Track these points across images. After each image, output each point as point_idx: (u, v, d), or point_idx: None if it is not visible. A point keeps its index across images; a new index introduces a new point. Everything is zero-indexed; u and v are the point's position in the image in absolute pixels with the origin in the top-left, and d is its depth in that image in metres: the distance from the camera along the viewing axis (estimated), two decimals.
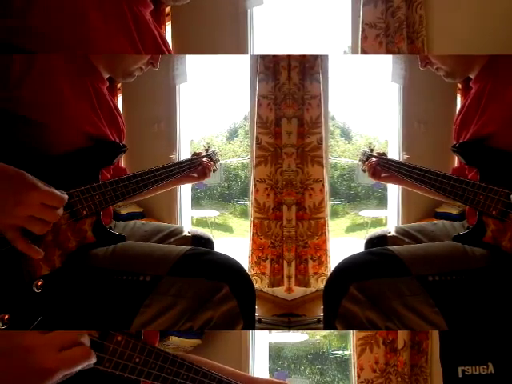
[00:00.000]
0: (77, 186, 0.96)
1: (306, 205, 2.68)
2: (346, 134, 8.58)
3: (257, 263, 2.72)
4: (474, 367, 1.01)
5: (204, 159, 1.69)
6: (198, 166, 1.65)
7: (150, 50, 1.11)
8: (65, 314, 0.95)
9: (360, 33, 2.43)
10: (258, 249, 2.73)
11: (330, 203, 2.92)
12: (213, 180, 6.86)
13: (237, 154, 8.11)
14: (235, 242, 5.78)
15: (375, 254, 1.12)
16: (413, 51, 2.41)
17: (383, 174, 1.63)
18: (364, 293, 1.02)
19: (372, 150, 1.76)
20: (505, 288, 1.02)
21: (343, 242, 5.58)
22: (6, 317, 0.81)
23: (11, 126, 0.97)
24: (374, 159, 1.67)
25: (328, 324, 1.09)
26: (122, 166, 1.49)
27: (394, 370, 2.36)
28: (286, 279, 2.64)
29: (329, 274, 2.63)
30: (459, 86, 2.58)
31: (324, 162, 2.69)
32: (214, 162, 1.78)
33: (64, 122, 1.02)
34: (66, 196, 0.85)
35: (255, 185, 2.72)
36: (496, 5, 2.23)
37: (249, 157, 3.05)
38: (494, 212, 1.04)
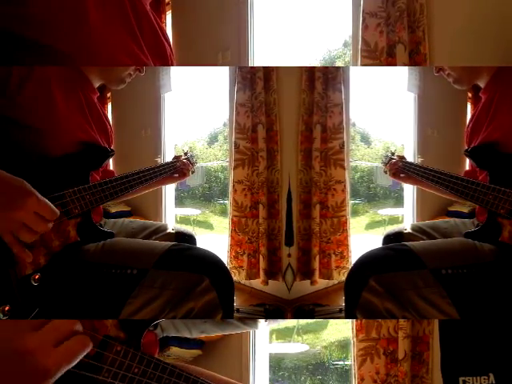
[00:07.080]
0: (68, 188, 0.96)
1: (329, 204, 2.67)
2: (365, 139, 8.54)
3: (235, 257, 2.72)
4: (474, 378, 0.99)
5: (183, 161, 1.71)
6: (179, 167, 1.66)
7: (149, 40, 1.07)
8: (59, 305, 0.95)
9: (361, 22, 2.33)
10: (236, 244, 2.73)
11: (350, 202, 2.88)
12: (195, 181, 6.84)
13: (217, 158, 8.09)
14: (215, 238, 5.74)
15: (393, 249, 1.12)
16: (413, 40, 2.31)
17: (402, 175, 1.64)
18: (382, 285, 1.02)
19: (393, 154, 1.77)
20: None
21: (363, 238, 5.46)
22: (7, 308, 0.79)
23: (9, 130, 0.96)
24: (395, 160, 1.68)
25: (349, 313, 1.09)
26: (112, 168, 1.49)
27: (394, 380, 2.20)
28: (261, 272, 2.64)
29: (350, 267, 2.60)
30: (469, 95, 2.57)
31: (345, 164, 2.68)
32: (192, 164, 1.79)
33: (57, 129, 1.02)
34: (58, 212, 0.84)
35: (233, 186, 2.71)
36: None
37: (228, 160, 3.04)
38: (502, 211, 1.04)
